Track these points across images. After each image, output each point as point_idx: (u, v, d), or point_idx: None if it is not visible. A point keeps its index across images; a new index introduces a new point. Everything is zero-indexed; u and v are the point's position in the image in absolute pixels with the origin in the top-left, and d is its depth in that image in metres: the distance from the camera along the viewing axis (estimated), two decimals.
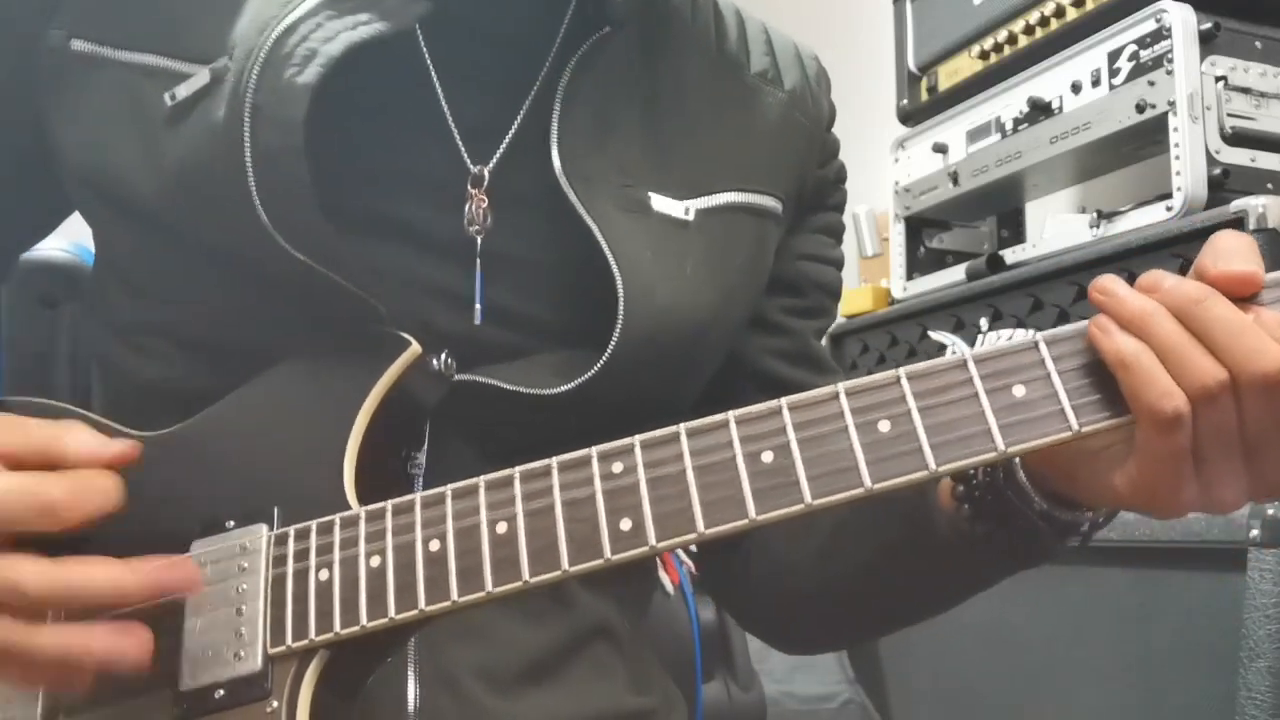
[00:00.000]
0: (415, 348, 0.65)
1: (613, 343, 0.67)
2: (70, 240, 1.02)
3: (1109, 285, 0.55)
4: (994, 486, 0.64)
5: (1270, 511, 1.09)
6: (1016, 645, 1.40)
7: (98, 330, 0.76)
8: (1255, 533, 1.09)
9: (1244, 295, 0.54)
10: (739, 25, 0.84)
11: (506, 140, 0.72)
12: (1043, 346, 0.55)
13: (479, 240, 0.70)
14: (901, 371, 0.56)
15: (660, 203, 0.73)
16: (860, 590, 0.76)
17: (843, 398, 0.56)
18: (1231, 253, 0.54)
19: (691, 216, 0.74)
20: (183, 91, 0.66)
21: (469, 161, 0.71)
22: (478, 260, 0.70)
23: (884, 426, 0.55)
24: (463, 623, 0.64)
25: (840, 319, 1.79)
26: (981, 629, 1.44)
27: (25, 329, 0.98)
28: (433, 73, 0.71)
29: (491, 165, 0.72)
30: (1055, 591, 1.34)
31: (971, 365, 0.55)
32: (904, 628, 0.81)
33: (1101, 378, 0.54)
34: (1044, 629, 1.37)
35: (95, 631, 0.57)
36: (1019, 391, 0.54)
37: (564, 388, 0.67)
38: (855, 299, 1.81)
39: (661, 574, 1.41)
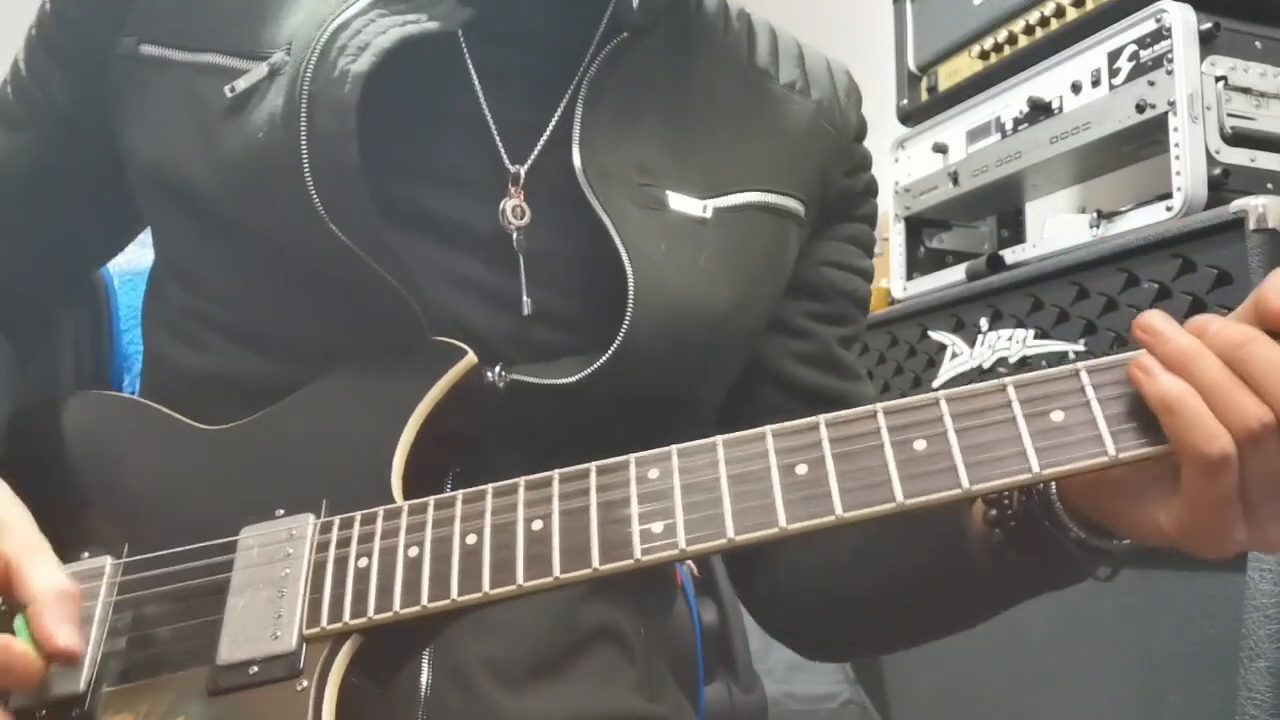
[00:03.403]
0: (471, 357, 0.67)
1: (623, 330, 0.68)
2: None
3: (1153, 324, 0.54)
4: (1029, 516, 0.63)
5: None
6: (1016, 645, 1.40)
7: (151, 325, 0.80)
8: None
9: None
10: (771, 39, 0.86)
11: (543, 140, 0.74)
12: (1084, 374, 0.55)
13: (515, 236, 0.72)
14: (941, 394, 0.56)
15: (678, 201, 0.74)
16: (884, 606, 0.76)
17: (880, 416, 0.57)
18: None
19: (709, 214, 0.75)
20: (241, 84, 0.70)
21: (507, 160, 0.74)
22: (521, 257, 0.72)
23: (920, 445, 0.55)
24: (475, 616, 0.65)
25: None
26: (981, 629, 1.43)
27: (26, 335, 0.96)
28: (473, 75, 0.74)
29: (528, 164, 0.74)
30: (1055, 591, 1.34)
31: (1011, 390, 0.56)
32: (920, 644, 0.81)
33: (1142, 408, 0.54)
34: (1044, 629, 1.37)
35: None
36: (1057, 416, 0.55)
37: (577, 376, 0.69)
38: None
39: None
